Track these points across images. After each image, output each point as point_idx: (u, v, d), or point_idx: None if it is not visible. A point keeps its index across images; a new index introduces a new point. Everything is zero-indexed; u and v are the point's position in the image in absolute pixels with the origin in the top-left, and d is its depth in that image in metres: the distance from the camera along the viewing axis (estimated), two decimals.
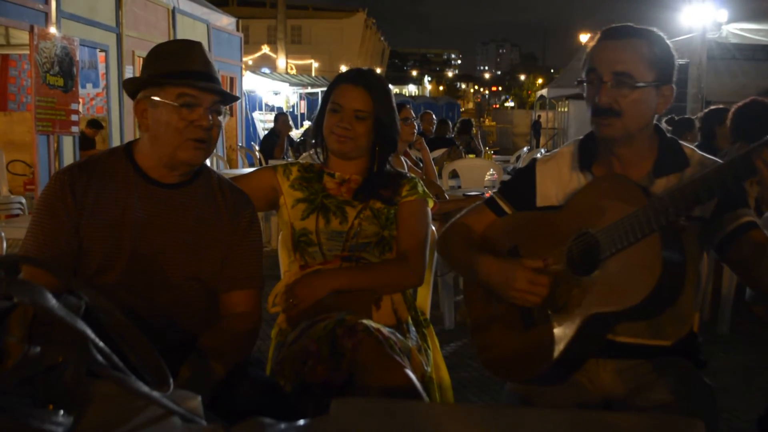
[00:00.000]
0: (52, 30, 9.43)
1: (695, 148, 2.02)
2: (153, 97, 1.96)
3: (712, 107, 6.85)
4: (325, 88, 2.80)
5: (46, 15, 9.47)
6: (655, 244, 1.70)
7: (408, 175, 2.59)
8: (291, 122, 11.98)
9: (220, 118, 2.03)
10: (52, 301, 0.98)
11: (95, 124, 11.64)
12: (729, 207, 1.88)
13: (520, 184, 2.19)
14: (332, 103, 2.46)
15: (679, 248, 1.73)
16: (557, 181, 2.10)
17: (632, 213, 1.73)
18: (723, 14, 14.44)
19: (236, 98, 2.20)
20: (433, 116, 11.98)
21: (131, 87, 2.03)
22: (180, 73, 1.95)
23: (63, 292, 1.09)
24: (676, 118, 8.07)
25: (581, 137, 2.12)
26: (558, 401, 1.93)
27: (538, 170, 2.15)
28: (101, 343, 1.01)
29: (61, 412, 0.97)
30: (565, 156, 2.13)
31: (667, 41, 1.94)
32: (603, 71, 1.89)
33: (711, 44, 14.71)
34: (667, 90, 1.93)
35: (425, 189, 2.55)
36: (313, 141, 2.60)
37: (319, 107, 2.61)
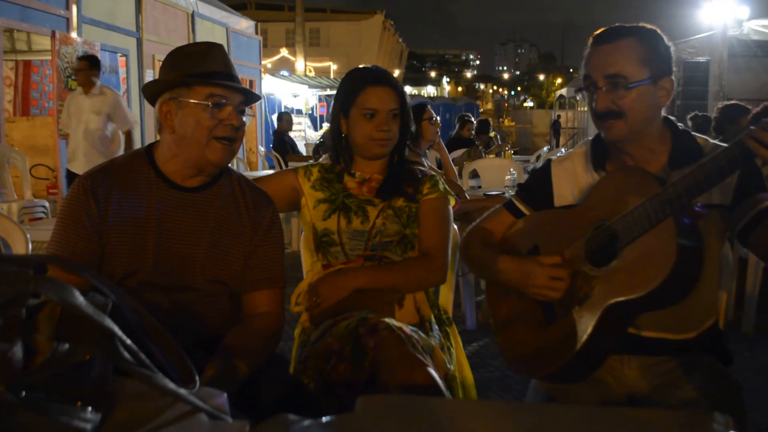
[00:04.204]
0: (74, 35, 9.52)
1: (707, 138, 2.03)
2: (180, 98, 1.97)
3: (729, 102, 6.74)
4: None
5: (68, 20, 9.56)
6: (670, 229, 1.71)
7: (429, 172, 2.59)
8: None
9: (245, 118, 2.04)
10: (80, 299, 0.99)
11: None
12: (748, 192, 1.88)
13: (537, 186, 2.21)
14: (364, 109, 2.43)
15: (695, 234, 1.74)
16: (573, 181, 2.12)
17: (647, 199, 1.74)
18: (744, 11, 14.32)
19: (258, 97, 2.21)
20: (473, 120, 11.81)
21: (154, 88, 2.02)
22: (208, 73, 1.97)
23: (90, 291, 1.10)
24: (699, 114, 8.00)
25: (593, 137, 2.14)
26: (582, 399, 1.92)
27: (553, 171, 2.17)
28: (128, 341, 1.02)
29: (89, 408, 0.98)
30: (578, 156, 2.14)
31: (660, 34, 1.96)
32: (596, 77, 1.93)
33: (732, 41, 14.58)
34: (666, 83, 1.94)
35: (446, 186, 2.55)
36: (335, 150, 2.55)
37: (334, 114, 2.54)
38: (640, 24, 1.97)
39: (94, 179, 2.01)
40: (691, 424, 1.03)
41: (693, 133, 2.04)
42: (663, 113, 2.01)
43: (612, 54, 1.90)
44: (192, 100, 1.95)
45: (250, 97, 2.05)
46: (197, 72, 1.96)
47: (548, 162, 2.22)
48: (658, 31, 1.96)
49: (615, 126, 1.92)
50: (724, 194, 1.90)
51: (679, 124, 2.06)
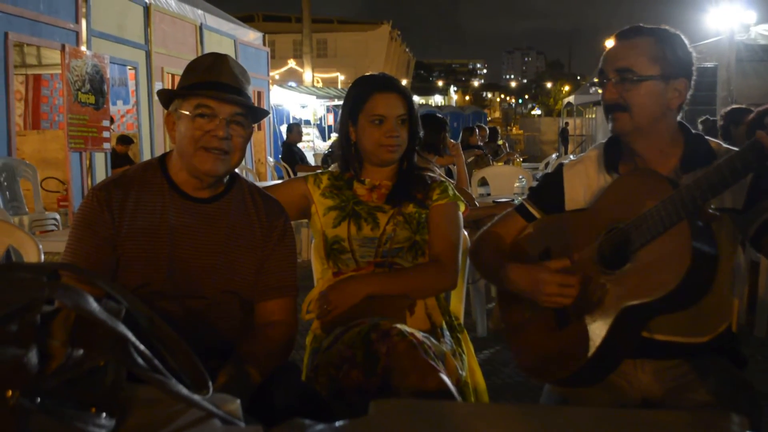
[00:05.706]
0: (83, 48, 9.59)
1: (720, 142, 2.02)
2: (178, 110, 1.99)
3: (733, 107, 6.78)
4: None
5: (77, 34, 9.63)
6: (684, 233, 1.69)
7: (438, 178, 2.59)
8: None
9: (244, 129, 2.02)
10: (94, 305, 0.99)
11: (125, 140, 11.79)
12: (762, 196, 1.86)
13: (548, 190, 2.20)
14: (372, 116, 2.43)
15: (709, 237, 1.72)
16: (585, 184, 2.11)
17: (661, 202, 1.73)
18: (751, 15, 14.28)
19: (265, 113, 2.21)
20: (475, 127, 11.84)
21: (163, 98, 2.06)
22: (201, 84, 1.97)
23: (103, 297, 1.10)
24: (710, 119, 8.00)
25: (606, 140, 2.14)
26: (596, 403, 1.91)
27: (565, 175, 2.16)
28: (142, 346, 1.02)
29: (104, 414, 0.98)
30: (591, 159, 2.14)
31: (681, 38, 1.96)
32: (608, 70, 1.95)
33: (739, 46, 14.53)
34: (680, 84, 1.94)
35: (456, 192, 2.55)
36: (344, 157, 2.55)
37: (342, 122, 2.55)
38: (663, 26, 1.98)
39: (109, 190, 2.02)
40: (707, 425, 1.02)
41: (706, 137, 2.03)
42: (679, 119, 2.01)
43: (626, 49, 1.93)
44: (184, 111, 1.97)
45: (255, 110, 2.05)
46: (196, 83, 1.98)
47: (560, 165, 2.21)
48: (681, 36, 1.96)
49: (620, 119, 1.93)
50: (737, 197, 1.88)
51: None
